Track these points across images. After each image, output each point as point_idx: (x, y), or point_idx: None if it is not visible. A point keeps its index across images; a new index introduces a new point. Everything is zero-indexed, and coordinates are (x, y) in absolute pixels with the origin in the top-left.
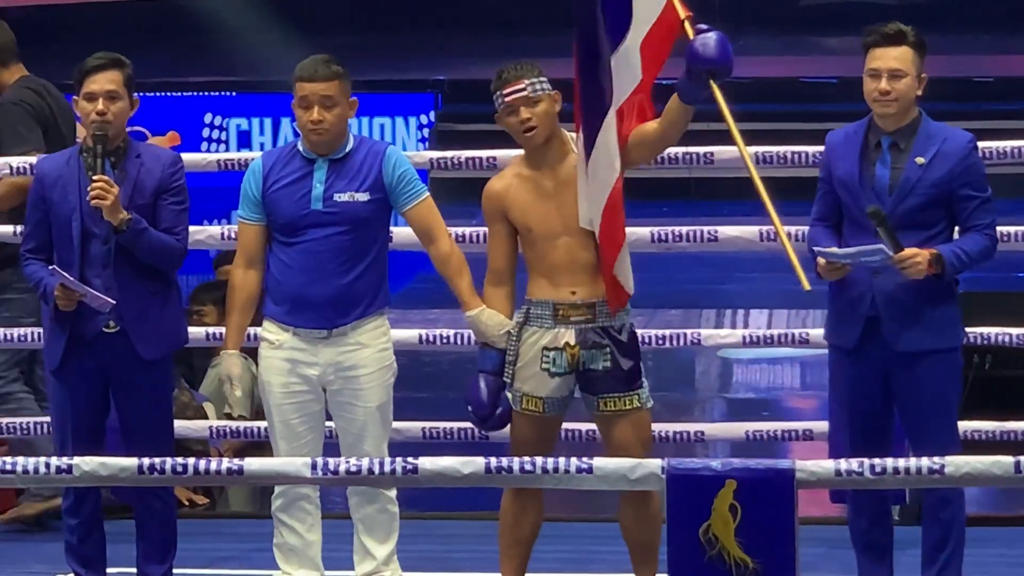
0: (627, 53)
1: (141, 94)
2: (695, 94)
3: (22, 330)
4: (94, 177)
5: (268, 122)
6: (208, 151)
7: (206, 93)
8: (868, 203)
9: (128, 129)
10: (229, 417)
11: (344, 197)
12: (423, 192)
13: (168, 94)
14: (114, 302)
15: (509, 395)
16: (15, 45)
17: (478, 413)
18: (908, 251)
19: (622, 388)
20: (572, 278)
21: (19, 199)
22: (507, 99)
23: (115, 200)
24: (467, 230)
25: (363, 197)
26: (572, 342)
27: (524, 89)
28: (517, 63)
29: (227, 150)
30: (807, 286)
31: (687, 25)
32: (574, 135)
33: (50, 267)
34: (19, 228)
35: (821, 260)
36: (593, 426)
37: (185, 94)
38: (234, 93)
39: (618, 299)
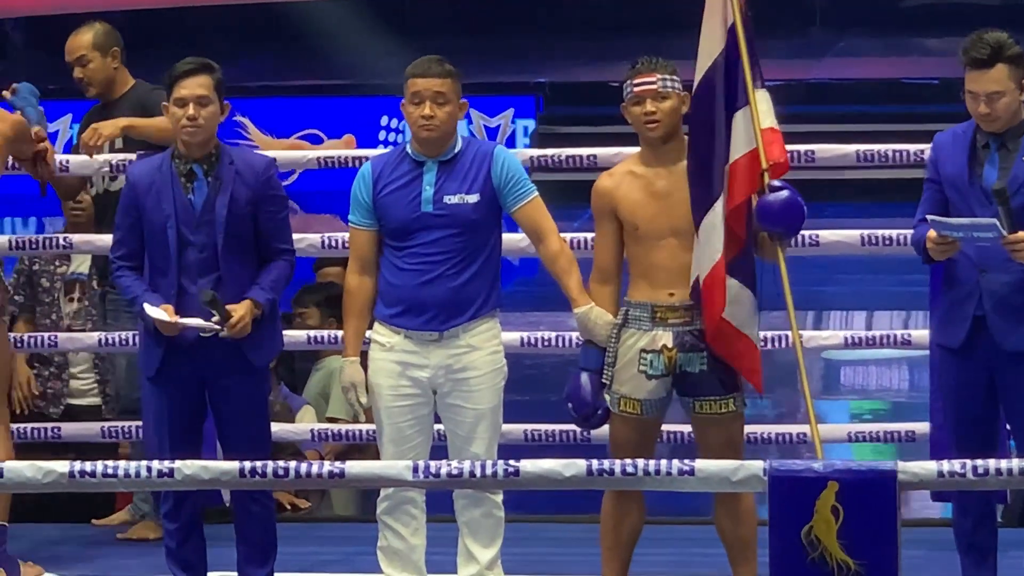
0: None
1: (314, 97)
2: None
3: (121, 334)
4: (227, 327)
5: None
6: None
7: (383, 96)
8: (977, 202)
9: (304, 132)
10: (332, 421)
11: (454, 199)
12: (532, 191)
13: (347, 97)
14: (219, 327)
15: (607, 397)
16: None
17: (579, 411)
18: (1021, 234)
19: (718, 391)
20: (671, 279)
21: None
22: (636, 89)
23: (248, 320)
24: (568, 235)
25: (472, 199)
26: (669, 344)
27: (655, 83)
28: (654, 58)
29: None
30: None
31: (765, 177)
32: None
33: (147, 306)
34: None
35: (932, 234)
36: None
37: (364, 96)
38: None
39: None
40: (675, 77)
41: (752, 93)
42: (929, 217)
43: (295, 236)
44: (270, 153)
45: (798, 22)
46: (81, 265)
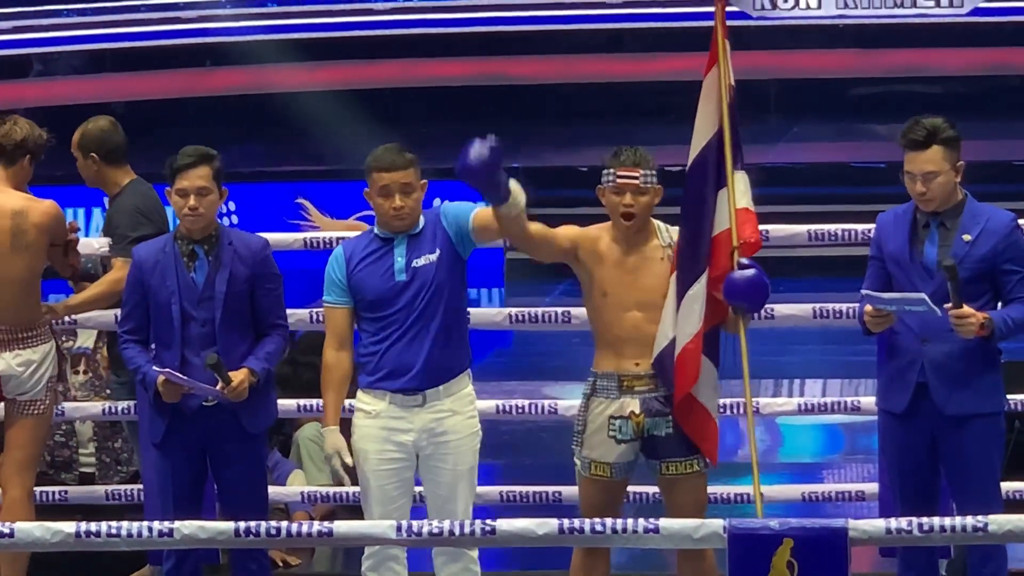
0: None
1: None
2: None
3: (122, 404)
4: (227, 391)
5: None
6: None
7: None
8: (919, 277)
9: (363, 214)
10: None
11: (421, 262)
12: (475, 204)
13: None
14: (220, 391)
15: (578, 462)
16: (127, 146)
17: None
18: (966, 309)
19: (683, 453)
20: (637, 350)
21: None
22: (619, 180)
23: (246, 387)
24: (539, 310)
25: (435, 256)
26: (637, 411)
27: (637, 178)
28: (637, 150)
29: None
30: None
31: (735, 255)
32: (660, 224)
33: (154, 367)
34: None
35: (869, 308)
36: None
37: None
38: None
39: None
40: (654, 172)
41: (731, 175)
42: (863, 292)
43: None
44: (265, 235)
45: (754, 109)
46: (87, 340)
